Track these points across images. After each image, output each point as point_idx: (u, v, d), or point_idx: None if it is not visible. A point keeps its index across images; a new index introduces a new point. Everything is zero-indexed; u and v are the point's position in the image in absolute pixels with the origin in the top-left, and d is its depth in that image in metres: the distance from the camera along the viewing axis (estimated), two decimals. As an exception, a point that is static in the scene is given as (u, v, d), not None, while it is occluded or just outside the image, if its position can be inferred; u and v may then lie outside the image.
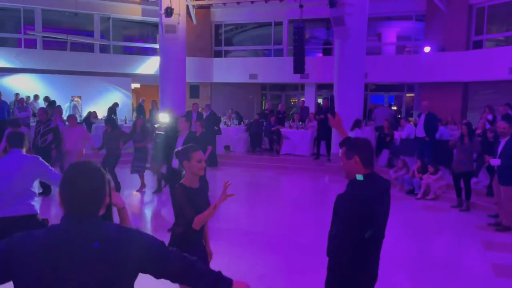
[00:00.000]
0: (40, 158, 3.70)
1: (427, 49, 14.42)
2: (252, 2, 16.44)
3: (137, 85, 18.40)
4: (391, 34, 17.68)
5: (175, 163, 6.18)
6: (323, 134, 11.68)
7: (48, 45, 16.17)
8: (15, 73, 15.34)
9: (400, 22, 16.71)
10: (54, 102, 13.70)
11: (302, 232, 6.37)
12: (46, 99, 14.11)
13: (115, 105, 14.86)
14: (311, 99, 16.87)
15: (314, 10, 15.05)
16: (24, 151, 3.72)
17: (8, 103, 12.87)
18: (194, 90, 17.34)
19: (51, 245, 1.42)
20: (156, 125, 9.74)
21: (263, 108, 18.33)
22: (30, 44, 15.87)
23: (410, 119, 13.46)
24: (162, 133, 7.98)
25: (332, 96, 3.25)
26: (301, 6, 13.00)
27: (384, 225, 2.47)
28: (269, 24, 17.32)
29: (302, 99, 17.27)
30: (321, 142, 11.90)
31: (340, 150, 2.53)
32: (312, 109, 15.37)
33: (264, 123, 13.14)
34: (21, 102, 12.88)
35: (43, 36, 15.84)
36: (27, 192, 3.53)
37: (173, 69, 12.87)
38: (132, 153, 8.85)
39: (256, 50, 18.91)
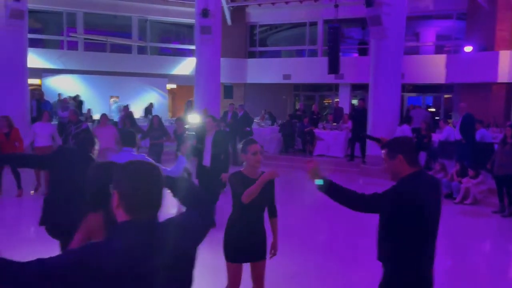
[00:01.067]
0: (146, 156, 3.78)
1: (468, 48, 13.93)
2: (286, 3, 16.42)
3: (173, 86, 18.76)
4: (430, 33, 17.19)
5: (206, 160, 6.31)
6: (357, 136, 11.50)
7: (89, 46, 16.76)
8: (57, 74, 15.99)
9: (440, 21, 16.22)
10: (81, 102, 14.22)
11: (335, 234, 6.30)
12: (75, 99, 14.55)
13: (151, 105, 15.22)
14: (345, 100, 16.66)
15: (350, 9, 14.86)
16: (135, 150, 3.82)
17: (51, 103, 13.42)
18: (228, 90, 17.48)
19: (133, 258, 1.32)
20: (186, 126, 9.96)
21: (296, 108, 18.28)
22: (72, 46, 16.51)
23: (449, 121, 13.04)
24: (193, 133, 8.12)
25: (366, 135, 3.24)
26: (336, 6, 12.87)
27: (436, 225, 2.38)
28: (303, 24, 17.23)
29: (336, 99, 17.07)
30: (355, 144, 11.72)
31: (383, 152, 2.45)
32: (346, 110, 15.17)
33: (297, 123, 13.09)
34: (63, 102, 13.40)
35: (84, 38, 16.42)
36: None
37: (208, 70, 13.03)
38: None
39: (290, 51, 18.85)
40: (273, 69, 16.90)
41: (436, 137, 10.36)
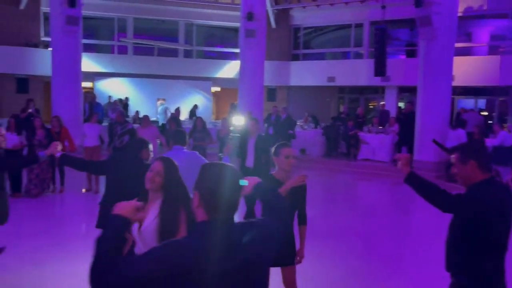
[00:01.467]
0: (197, 153, 3.87)
1: (525, 49, 13.17)
2: (331, 4, 16.25)
3: (217, 89, 19.05)
4: (483, 33, 16.40)
5: (249, 162, 6.36)
6: (404, 139, 11.16)
7: (138, 51, 17.37)
8: (109, 77, 16.68)
9: (494, 21, 15.45)
10: (127, 104, 14.71)
11: (380, 239, 6.14)
12: (121, 101, 15.05)
13: (195, 107, 15.52)
14: (392, 103, 16.21)
15: (397, 10, 14.48)
16: (185, 148, 3.90)
17: (102, 105, 14.01)
18: (271, 93, 17.53)
19: (209, 257, 1.39)
20: (231, 128, 10.12)
21: (340, 111, 18.00)
22: (122, 50, 17.17)
23: (504, 125, 12.37)
24: (237, 135, 8.21)
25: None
26: (383, 7, 12.58)
27: (507, 234, 2.28)
28: (348, 26, 16.97)
29: (381, 102, 16.66)
30: (402, 148, 11.38)
31: (453, 156, 2.39)
32: (392, 113, 14.76)
33: (341, 126, 12.88)
34: (114, 104, 13.94)
35: (133, 43, 17.04)
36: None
37: (251, 73, 13.13)
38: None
39: (334, 53, 18.62)
40: (317, 72, 16.75)
41: (490, 142, 9.87)
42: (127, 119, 11.03)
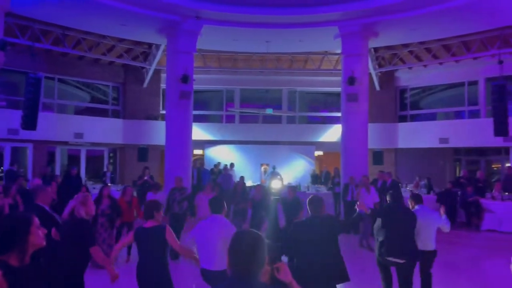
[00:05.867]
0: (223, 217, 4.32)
1: None
2: (440, 64, 15.50)
3: (320, 153, 18.89)
4: None
5: (282, 222, 7.31)
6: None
7: (244, 119, 18.27)
8: (217, 145, 17.67)
9: None
10: (209, 170, 15.06)
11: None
12: (215, 166, 15.32)
13: (314, 172, 15.42)
14: (519, 165, 14.31)
15: (517, 64, 13.20)
16: (223, 216, 4.31)
17: (209, 170, 14.69)
18: (378, 156, 16.77)
19: None
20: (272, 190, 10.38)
21: (458, 175, 16.35)
22: (230, 119, 18.23)
23: None
24: (277, 197, 8.53)
25: None
26: (500, 62, 11.58)
27: None
28: (461, 84, 15.90)
29: (507, 164, 14.81)
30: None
31: None
32: (521, 177, 12.93)
33: (459, 192, 11.60)
34: (225, 170, 14.49)
35: (240, 112, 18.01)
36: None
37: (354, 136, 12.77)
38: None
39: (446, 113, 17.43)
40: (427, 133, 15.76)
41: None
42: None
